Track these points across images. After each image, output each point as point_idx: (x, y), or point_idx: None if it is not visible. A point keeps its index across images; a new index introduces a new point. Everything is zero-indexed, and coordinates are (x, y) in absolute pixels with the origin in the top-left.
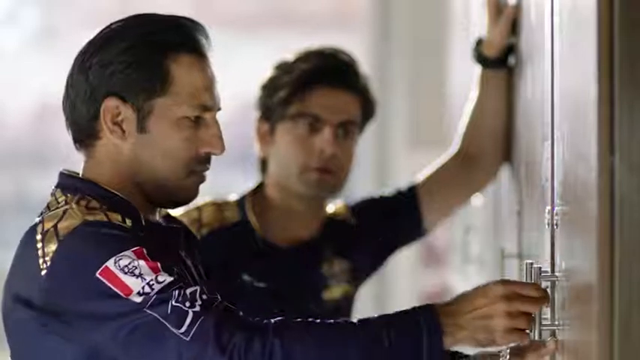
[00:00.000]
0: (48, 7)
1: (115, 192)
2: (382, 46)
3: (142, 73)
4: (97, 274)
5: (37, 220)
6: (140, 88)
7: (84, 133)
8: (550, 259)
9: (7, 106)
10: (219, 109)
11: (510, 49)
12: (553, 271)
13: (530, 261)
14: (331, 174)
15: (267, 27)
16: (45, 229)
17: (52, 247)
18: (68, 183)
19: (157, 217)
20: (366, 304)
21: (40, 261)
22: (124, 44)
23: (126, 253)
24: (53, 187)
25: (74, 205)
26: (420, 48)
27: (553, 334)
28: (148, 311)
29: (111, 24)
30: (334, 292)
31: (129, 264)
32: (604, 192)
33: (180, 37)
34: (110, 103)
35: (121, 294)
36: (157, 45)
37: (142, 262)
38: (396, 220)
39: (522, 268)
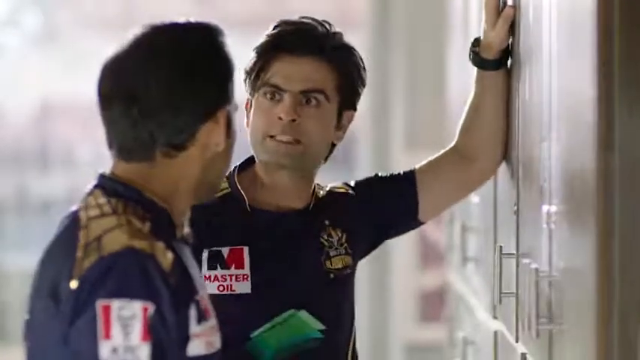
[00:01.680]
0: (49, 7)
1: (157, 201)
2: (381, 48)
3: (232, 80)
4: (99, 303)
5: (77, 213)
6: (231, 95)
7: (172, 139)
8: (548, 259)
9: (8, 106)
10: None
11: (508, 51)
12: (550, 270)
13: (528, 260)
14: (292, 143)
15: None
16: (91, 235)
17: (92, 258)
18: (109, 185)
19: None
20: (364, 302)
21: (76, 265)
22: (204, 53)
23: (136, 304)
24: (91, 187)
25: (124, 220)
26: (418, 50)
27: (550, 333)
28: None
29: (163, 32)
30: (334, 262)
31: (130, 316)
32: (602, 191)
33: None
34: (216, 120)
35: (99, 336)
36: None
37: (139, 324)
38: (394, 200)
39: (520, 267)
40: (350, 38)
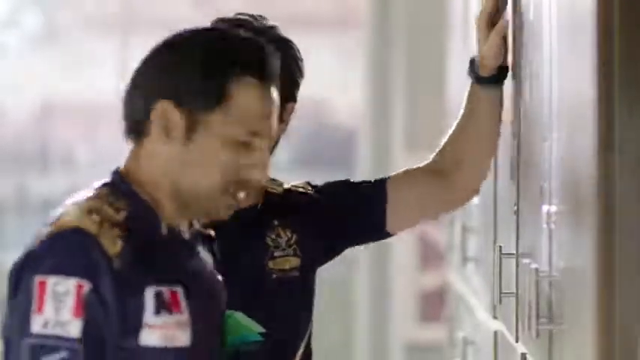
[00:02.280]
0: (50, 8)
1: (140, 193)
2: (381, 48)
3: (202, 84)
4: (36, 278)
5: None
6: (196, 97)
7: (134, 128)
8: (548, 259)
9: (8, 106)
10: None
11: (505, 68)
12: (550, 270)
13: (528, 260)
14: None
15: None
16: (61, 210)
17: (46, 233)
18: (113, 175)
19: (195, 224)
20: (364, 303)
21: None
22: (192, 52)
23: (71, 280)
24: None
25: (93, 204)
26: (418, 50)
27: (550, 333)
28: (30, 341)
29: (185, 30)
30: (279, 263)
31: (63, 292)
32: (602, 192)
33: (250, 59)
34: (163, 105)
35: (33, 310)
36: (224, 60)
37: (72, 300)
38: (361, 211)
39: (520, 267)
40: (350, 40)
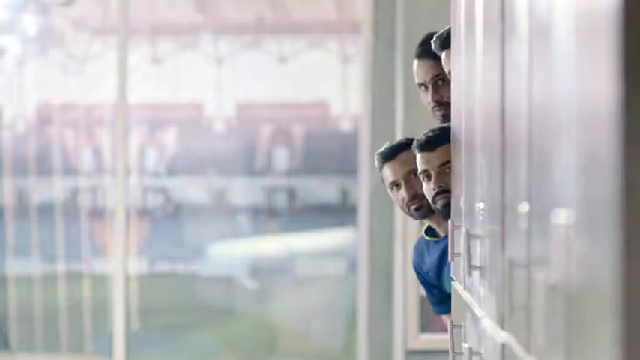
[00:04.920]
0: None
1: None
2: (382, 49)
3: None
4: None
5: None
6: None
7: None
8: (562, 269)
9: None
10: None
11: None
12: (564, 281)
13: (540, 270)
14: None
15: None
16: None
17: None
18: None
19: None
20: (368, 309)
21: None
22: None
23: None
24: None
25: None
26: None
27: (566, 348)
28: None
29: None
30: None
31: None
32: (624, 197)
33: None
34: None
35: None
36: None
37: None
38: None
39: (531, 277)
40: (352, 42)
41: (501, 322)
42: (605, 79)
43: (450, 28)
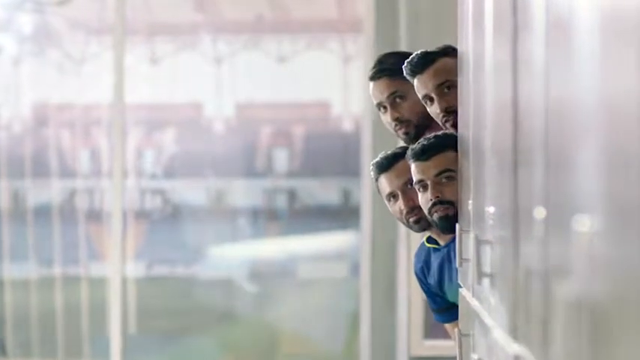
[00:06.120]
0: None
1: None
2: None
3: None
4: None
5: None
6: None
7: None
8: (584, 280)
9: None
10: None
11: None
12: (588, 294)
13: (560, 280)
14: None
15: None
16: None
17: None
18: None
19: None
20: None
21: None
22: None
23: None
24: None
25: None
26: None
27: None
28: None
29: None
30: None
31: None
32: None
33: None
34: None
35: None
36: None
37: None
38: None
39: (549, 288)
40: (353, 42)
41: (514, 334)
42: (635, 74)
43: (420, 52)
